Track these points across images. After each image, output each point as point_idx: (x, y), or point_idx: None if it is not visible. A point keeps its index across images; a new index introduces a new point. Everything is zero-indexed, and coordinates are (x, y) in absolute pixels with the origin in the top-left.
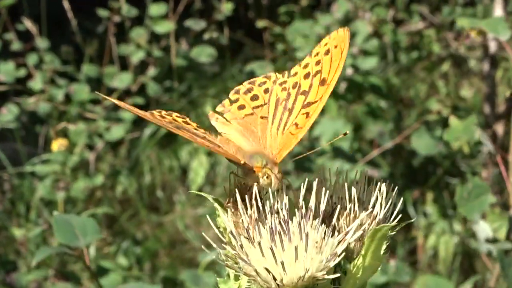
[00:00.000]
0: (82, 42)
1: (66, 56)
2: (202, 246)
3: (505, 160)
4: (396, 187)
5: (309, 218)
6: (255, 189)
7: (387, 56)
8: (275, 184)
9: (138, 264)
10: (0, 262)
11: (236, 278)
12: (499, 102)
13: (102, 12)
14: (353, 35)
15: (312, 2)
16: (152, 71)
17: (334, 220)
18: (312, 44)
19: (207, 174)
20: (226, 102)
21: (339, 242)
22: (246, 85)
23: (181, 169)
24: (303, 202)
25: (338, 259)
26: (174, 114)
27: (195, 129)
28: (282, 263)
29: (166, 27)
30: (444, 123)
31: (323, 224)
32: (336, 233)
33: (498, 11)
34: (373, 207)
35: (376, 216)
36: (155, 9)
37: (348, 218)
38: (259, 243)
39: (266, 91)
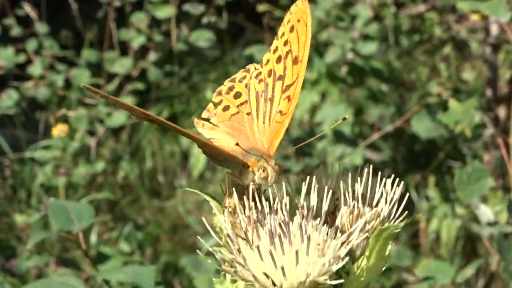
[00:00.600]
0: (82, 27)
1: (66, 41)
2: (200, 241)
3: (507, 143)
4: (398, 179)
5: (310, 218)
6: (251, 187)
7: (388, 39)
8: (272, 177)
9: (139, 249)
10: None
11: (233, 280)
12: (501, 85)
13: None
14: (353, 19)
15: None
16: (152, 56)
17: (337, 220)
18: (313, 28)
19: (208, 159)
20: (210, 106)
21: (342, 244)
22: (227, 83)
23: (182, 154)
24: (304, 201)
25: (341, 263)
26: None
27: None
28: (282, 268)
29: (166, 12)
30: (444, 106)
31: (325, 224)
32: (339, 233)
33: None
34: (378, 203)
35: (381, 213)
36: None
37: (351, 216)
38: (258, 247)
39: (247, 86)
